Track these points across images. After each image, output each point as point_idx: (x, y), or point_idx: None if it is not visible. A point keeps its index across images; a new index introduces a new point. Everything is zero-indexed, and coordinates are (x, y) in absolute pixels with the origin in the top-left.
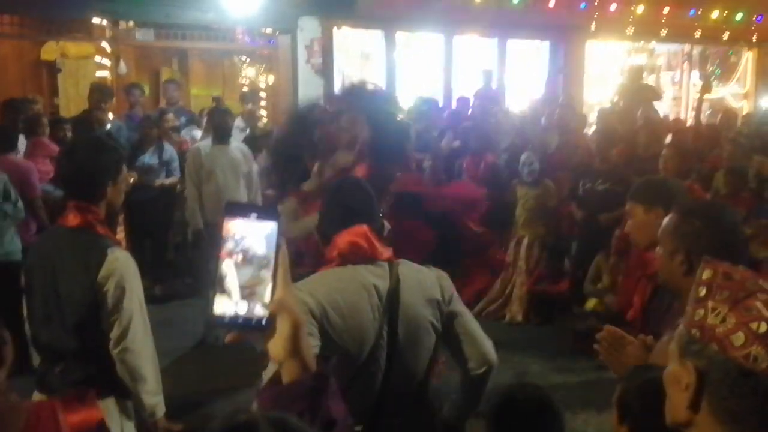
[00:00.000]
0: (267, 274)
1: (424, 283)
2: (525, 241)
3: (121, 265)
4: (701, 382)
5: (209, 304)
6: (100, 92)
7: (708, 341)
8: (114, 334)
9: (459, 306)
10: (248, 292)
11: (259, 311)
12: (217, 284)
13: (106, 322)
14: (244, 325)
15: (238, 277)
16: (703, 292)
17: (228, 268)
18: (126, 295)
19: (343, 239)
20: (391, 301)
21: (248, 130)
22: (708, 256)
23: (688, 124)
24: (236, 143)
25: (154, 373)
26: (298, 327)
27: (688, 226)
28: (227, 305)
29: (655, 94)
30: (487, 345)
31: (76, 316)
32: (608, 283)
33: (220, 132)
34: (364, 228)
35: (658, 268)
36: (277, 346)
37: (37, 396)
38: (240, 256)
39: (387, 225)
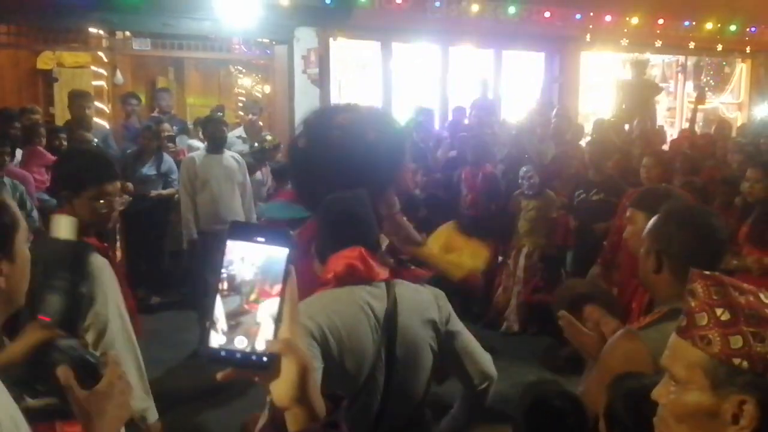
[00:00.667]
0: (272, 307)
1: (422, 303)
2: (525, 251)
3: (95, 269)
4: (764, 413)
5: (204, 334)
6: (80, 98)
7: (764, 371)
8: (90, 338)
9: (457, 325)
10: (247, 326)
11: (261, 347)
12: (213, 313)
13: (82, 327)
14: (242, 362)
15: (237, 308)
16: (726, 315)
17: (227, 297)
18: (99, 300)
19: (339, 261)
20: (389, 323)
21: (255, 144)
22: (677, 257)
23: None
24: (230, 152)
25: (138, 379)
26: (306, 371)
27: (665, 227)
28: (223, 338)
29: (658, 89)
30: (487, 360)
31: (55, 323)
32: None
33: (214, 141)
34: (359, 249)
35: (639, 266)
36: (281, 390)
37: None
38: (241, 285)
39: (385, 239)
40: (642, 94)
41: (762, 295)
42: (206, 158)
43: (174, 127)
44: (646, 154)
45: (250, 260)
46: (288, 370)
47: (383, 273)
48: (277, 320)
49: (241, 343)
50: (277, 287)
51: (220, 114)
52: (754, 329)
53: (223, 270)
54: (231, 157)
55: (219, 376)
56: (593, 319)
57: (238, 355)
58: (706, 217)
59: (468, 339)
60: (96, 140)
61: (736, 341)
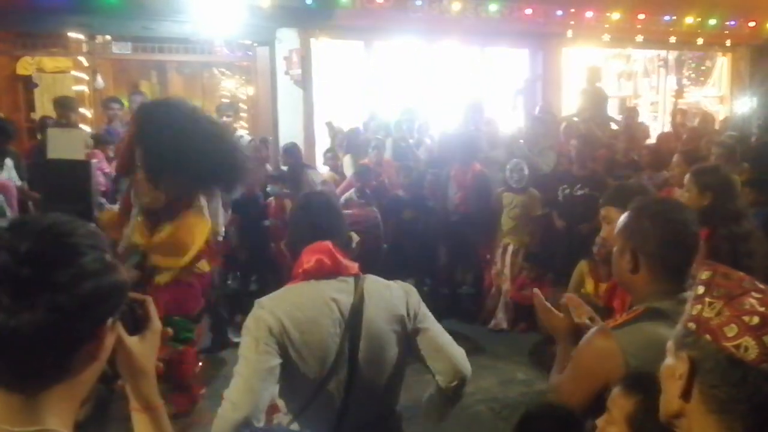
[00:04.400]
0: None
1: (390, 298)
2: (510, 249)
3: None
4: (693, 370)
5: None
6: (67, 104)
7: (702, 332)
8: None
9: (427, 321)
10: None
11: None
12: None
13: None
14: None
15: None
16: (701, 290)
17: None
18: None
19: (308, 256)
20: (354, 318)
21: None
22: (654, 255)
23: (665, 129)
24: None
25: None
26: None
27: (637, 224)
28: None
29: (606, 96)
30: (459, 358)
31: None
32: (591, 289)
33: None
34: (328, 244)
35: (613, 266)
36: None
37: None
38: None
39: (355, 237)
40: (596, 100)
41: (747, 281)
42: None
43: None
44: (676, 153)
45: None
46: None
47: (352, 268)
48: None
49: None
50: None
51: None
52: (714, 300)
53: None
54: None
55: None
56: (571, 306)
57: None
58: (678, 211)
59: (438, 335)
60: None
61: (696, 309)
